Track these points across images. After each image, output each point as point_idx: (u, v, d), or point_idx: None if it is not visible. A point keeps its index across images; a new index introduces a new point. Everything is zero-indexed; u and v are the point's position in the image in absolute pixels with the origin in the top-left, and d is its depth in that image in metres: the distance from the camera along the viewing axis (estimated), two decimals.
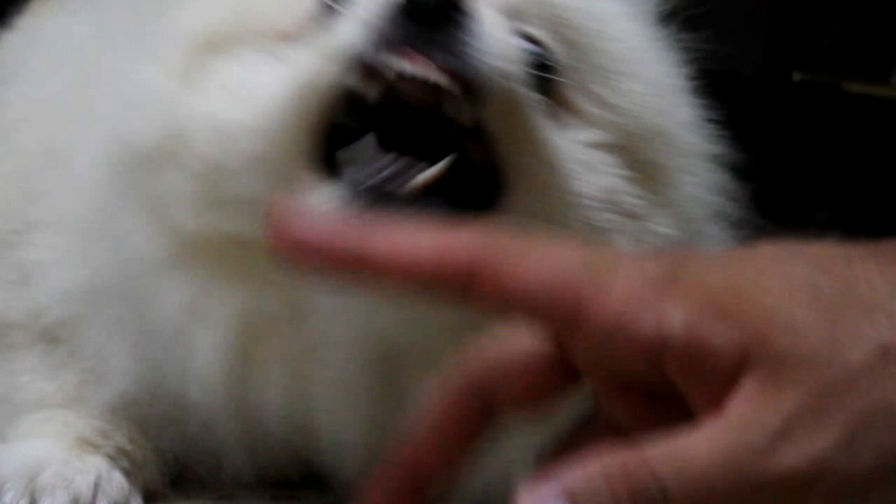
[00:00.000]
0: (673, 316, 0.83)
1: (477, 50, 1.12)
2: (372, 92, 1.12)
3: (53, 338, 1.33)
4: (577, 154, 1.18)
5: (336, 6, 1.16)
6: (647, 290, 0.84)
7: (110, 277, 1.22)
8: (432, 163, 1.13)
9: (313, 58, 1.14)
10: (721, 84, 1.34)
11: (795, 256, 0.87)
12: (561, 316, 0.84)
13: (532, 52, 1.18)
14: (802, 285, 0.84)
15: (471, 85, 1.12)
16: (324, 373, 1.18)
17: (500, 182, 1.16)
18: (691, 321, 0.82)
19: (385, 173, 1.13)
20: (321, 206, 1.12)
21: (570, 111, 1.19)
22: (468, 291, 0.85)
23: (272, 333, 1.18)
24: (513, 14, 1.19)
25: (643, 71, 1.23)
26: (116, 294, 1.23)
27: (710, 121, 1.28)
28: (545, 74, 1.18)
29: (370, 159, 1.13)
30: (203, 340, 1.18)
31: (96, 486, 1.21)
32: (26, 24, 1.59)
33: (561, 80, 1.19)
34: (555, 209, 1.17)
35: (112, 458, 1.25)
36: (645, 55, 1.25)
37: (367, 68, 1.12)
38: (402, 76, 1.11)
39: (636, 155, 1.20)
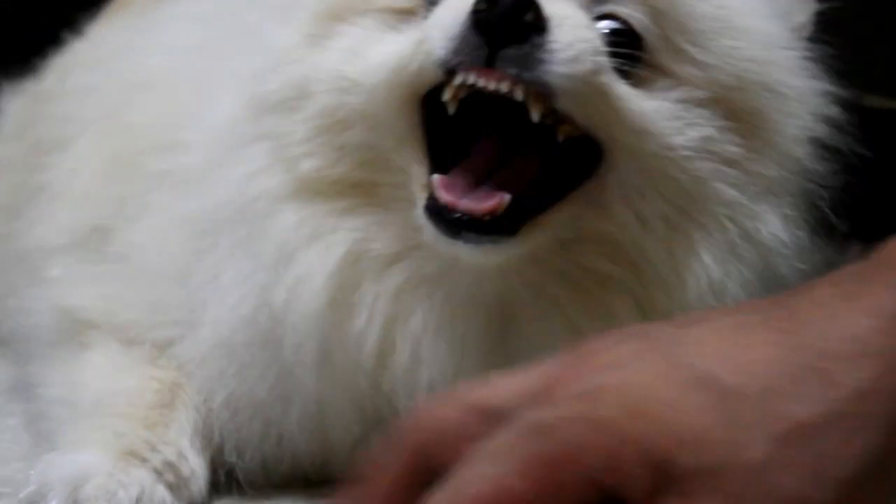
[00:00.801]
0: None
1: (550, 59, 1.18)
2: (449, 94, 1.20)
3: (126, 338, 1.39)
4: (670, 112, 1.24)
5: None
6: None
7: (230, 206, 1.32)
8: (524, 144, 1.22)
9: (409, 42, 1.23)
10: None
11: (689, 343, 0.90)
12: None
13: (617, 31, 1.24)
14: (697, 383, 0.87)
15: (545, 89, 1.18)
16: (429, 313, 1.26)
17: (595, 150, 1.23)
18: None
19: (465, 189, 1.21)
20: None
21: (662, 73, 1.25)
22: None
23: (381, 268, 1.27)
24: None
25: (737, 25, 1.27)
26: (235, 221, 1.32)
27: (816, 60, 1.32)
28: (630, 51, 1.23)
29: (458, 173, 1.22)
30: (316, 267, 1.27)
31: (138, 501, 1.24)
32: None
33: (648, 48, 1.24)
34: (653, 167, 1.23)
35: (158, 472, 1.28)
36: (739, 9, 1.28)
37: (447, 72, 1.19)
38: (475, 87, 1.18)
39: (734, 105, 1.26)
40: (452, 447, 0.89)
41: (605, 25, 1.24)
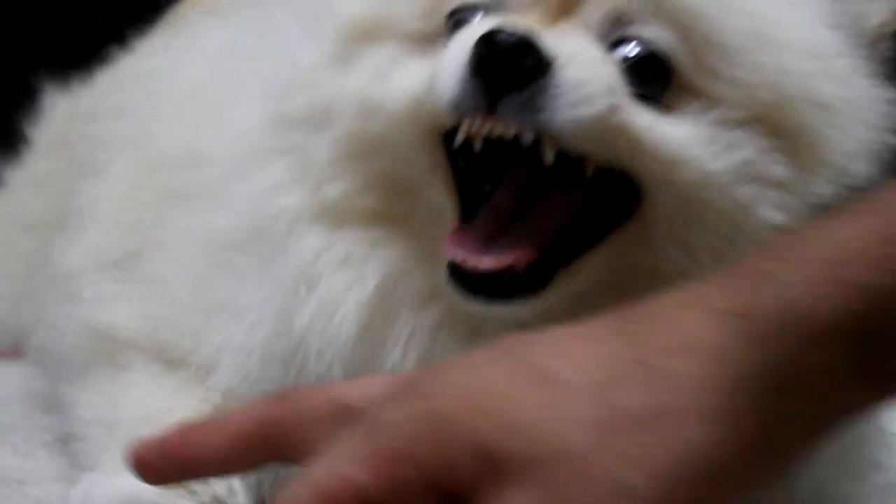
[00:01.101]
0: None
1: (554, 104, 1.13)
2: (461, 136, 1.17)
3: (169, 359, 1.37)
4: (704, 137, 1.17)
5: (463, 18, 1.21)
6: None
7: (249, 223, 1.30)
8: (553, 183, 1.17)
9: (423, 77, 1.20)
10: None
11: (541, 345, 0.93)
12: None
13: (639, 57, 1.18)
14: (536, 378, 0.90)
15: (554, 132, 1.14)
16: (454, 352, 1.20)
17: (631, 184, 1.19)
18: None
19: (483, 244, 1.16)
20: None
21: (694, 95, 1.19)
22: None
23: (419, 303, 1.23)
24: (618, 20, 1.19)
25: (774, 37, 1.20)
26: (253, 240, 1.30)
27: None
28: (654, 76, 1.18)
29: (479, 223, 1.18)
30: (347, 295, 1.23)
31: None
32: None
33: (676, 69, 1.18)
34: (693, 196, 1.17)
35: None
36: (777, 20, 1.22)
37: (459, 114, 1.16)
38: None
39: (777, 123, 1.19)
40: (305, 437, 0.94)
41: (625, 52, 1.19)
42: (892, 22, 1.26)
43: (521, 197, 1.20)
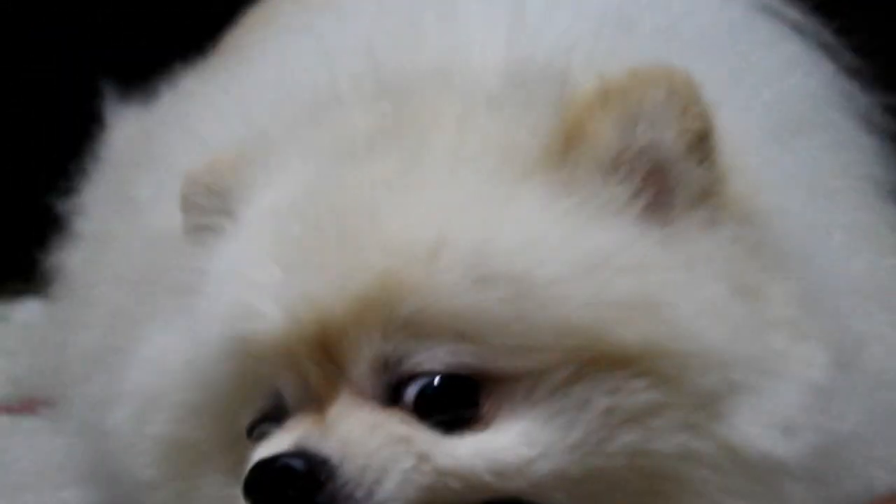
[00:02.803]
0: None
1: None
2: None
3: None
4: (540, 425, 1.06)
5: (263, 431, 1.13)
6: None
7: None
8: None
9: None
10: None
11: None
12: None
13: (431, 388, 1.07)
14: None
15: None
16: None
17: None
18: None
19: None
20: None
21: (512, 382, 1.07)
22: None
23: None
24: (387, 365, 1.08)
25: (542, 279, 1.07)
26: None
27: None
28: (456, 395, 1.07)
29: None
30: None
31: None
32: None
33: (478, 373, 1.07)
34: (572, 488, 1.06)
35: None
36: (536, 260, 1.07)
37: None
38: None
39: (608, 354, 1.06)
40: None
41: (413, 392, 1.08)
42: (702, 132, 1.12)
43: None
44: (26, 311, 2.05)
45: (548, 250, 1.08)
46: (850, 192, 1.28)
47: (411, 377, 1.08)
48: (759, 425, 1.07)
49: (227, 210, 1.20)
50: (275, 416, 1.12)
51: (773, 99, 1.25)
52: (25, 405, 1.83)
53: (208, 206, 1.22)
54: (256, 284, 1.11)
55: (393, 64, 1.20)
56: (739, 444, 1.07)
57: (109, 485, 1.36)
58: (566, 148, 1.10)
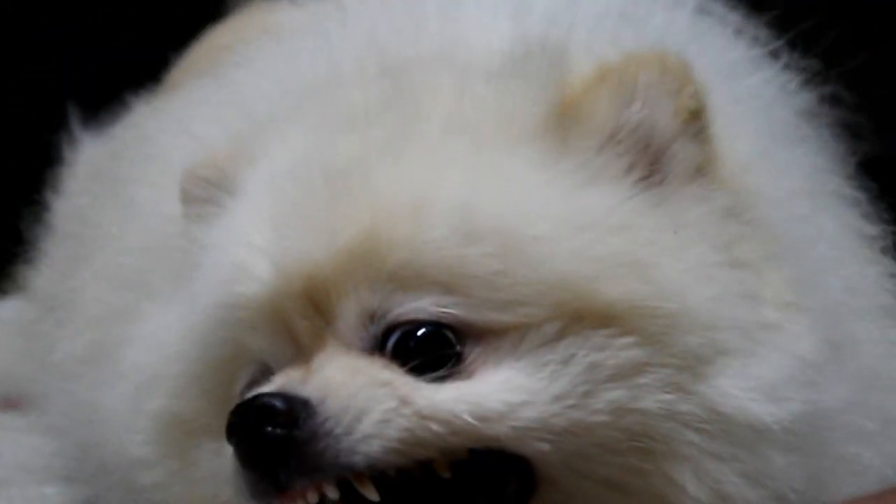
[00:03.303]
0: None
1: (338, 441, 1.05)
2: None
3: None
4: (524, 375, 1.07)
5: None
6: None
7: None
8: None
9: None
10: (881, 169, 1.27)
11: None
12: None
13: (415, 337, 1.09)
14: None
15: (363, 464, 1.05)
16: None
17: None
18: None
19: None
20: None
21: (499, 334, 1.08)
22: None
23: None
24: (374, 316, 1.10)
25: (531, 235, 1.09)
26: None
27: None
28: (440, 345, 1.09)
29: None
30: None
31: None
32: None
33: (463, 326, 1.08)
34: (557, 440, 1.07)
35: None
36: (526, 216, 1.10)
37: None
38: None
39: (596, 311, 1.08)
40: None
41: (394, 340, 1.10)
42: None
43: None
44: (8, 309, 2.04)
45: (537, 208, 1.10)
46: (833, 197, 1.28)
47: (397, 327, 1.09)
48: (744, 389, 1.08)
49: (223, 200, 1.22)
50: (266, 381, 1.13)
51: (751, 93, 1.27)
52: (10, 402, 1.82)
53: (208, 198, 1.24)
54: (250, 245, 1.13)
55: (395, 51, 1.23)
56: (723, 406, 1.08)
57: (93, 481, 1.36)
58: (562, 120, 1.13)
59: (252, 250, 1.13)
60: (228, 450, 1.08)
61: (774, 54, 1.32)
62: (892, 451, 1.18)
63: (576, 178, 1.12)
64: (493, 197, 1.10)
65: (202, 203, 1.24)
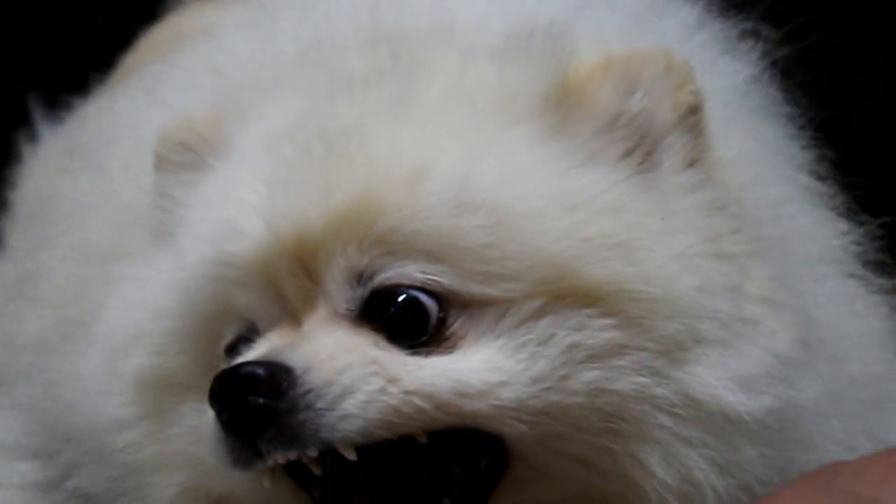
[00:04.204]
0: None
1: (321, 413, 1.07)
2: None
3: None
4: (501, 357, 1.10)
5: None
6: None
7: None
8: None
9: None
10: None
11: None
12: None
13: (400, 305, 1.11)
14: None
15: (342, 437, 1.08)
16: None
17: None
18: None
19: None
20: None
21: (484, 306, 1.10)
22: None
23: None
24: (361, 276, 1.12)
25: (522, 211, 1.11)
26: None
27: None
28: (422, 316, 1.11)
29: None
30: None
31: None
32: None
33: (448, 296, 1.11)
34: (532, 419, 1.10)
35: None
36: (517, 195, 1.12)
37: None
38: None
39: (578, 291, 1.10)
40: None
41: (383, 307, 1.12)
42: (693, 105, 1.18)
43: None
44: None
45: (531, 184, 1.12)
46: (812, 199, 1.30)
47: (383, 291, 1.11)
48: (720, 378, 1.10)
49: (204, 162, 1.23)
50: (251, 339, 1.15)
51: (738, 93, 1.29)
52: None
53: (185, 163, 1.25)
54: (242, 202, 1.15)
55: (386, 21, 1.24)
56: (697, 392, 1.10)
57: (64, 453, 1.36)
58: (564, 102, 1.15)
59: (244, 208, 1.14)
60: (210, 412, 1.09)
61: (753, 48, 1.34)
62: (862, 449, 1.18)
63: (572, 158, 1.14)
64: (489, 171, 1.12)
65: (179, 168, 1.25)
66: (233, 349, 1.17)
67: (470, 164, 1.12)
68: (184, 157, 1.25)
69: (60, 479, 1.37)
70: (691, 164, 1.16)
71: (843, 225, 1.27)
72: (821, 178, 1.30)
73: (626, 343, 1.09)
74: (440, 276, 1.10)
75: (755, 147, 1.24)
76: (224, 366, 1.12)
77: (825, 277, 1.23)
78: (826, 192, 1.30)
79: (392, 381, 1.08)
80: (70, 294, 1.37)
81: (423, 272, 1.10)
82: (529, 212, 1.11)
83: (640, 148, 1.16)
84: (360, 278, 1.12)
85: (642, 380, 1.09)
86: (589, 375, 1.09)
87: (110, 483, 1.25)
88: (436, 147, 1.13)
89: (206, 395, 1.11)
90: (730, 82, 1.27)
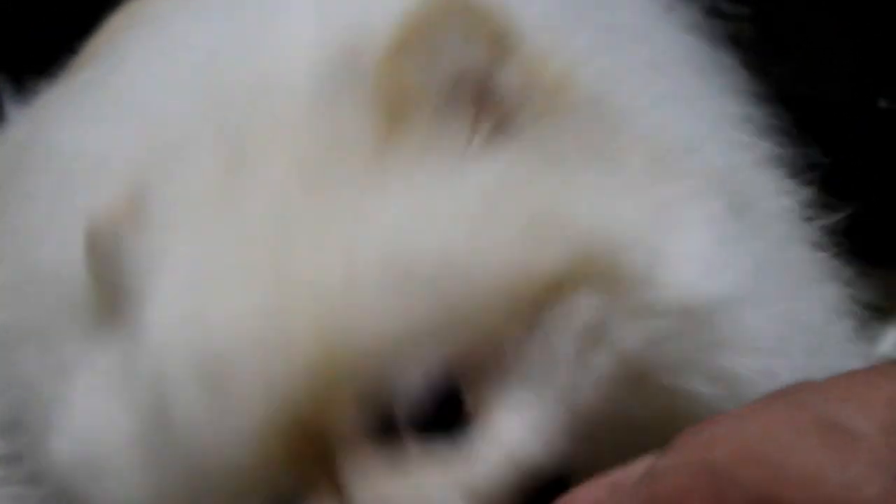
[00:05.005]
0: None
1: None
2: None
3: None
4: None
5: None
6: None
7: None
8: None
9: None
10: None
11: (816, 391, 0.89)
12: None
13: (421, 402, 1.00)
14: (816, 426, 0.86)
15: None
16: None
17: None
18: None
19: None
20: None
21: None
22: None
23: None
24: (375, 380, 1.00)
25: (458, 252, 1.00)
26: None
27: None
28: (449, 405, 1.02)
29: None
30: None
31: None
32: None
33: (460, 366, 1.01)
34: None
35: None
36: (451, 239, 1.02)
37: None
38: None
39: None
40: None
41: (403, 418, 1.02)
42: None
43: None
44: None
45: (429, 234, 1.01)
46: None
47: (394, 405, 1.00)
48: (685, 274, 1.03)
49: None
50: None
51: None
52: None
53: (108, 278, 1.08)
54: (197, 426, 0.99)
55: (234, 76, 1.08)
56: (681, 297, 1.02)
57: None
58: (394, 120, 1.03)
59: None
60: None
61: None
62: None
63: (439, 178, 1.03)
64: (387, 244, 1.00)
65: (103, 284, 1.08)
66: None
67: (367, 258, 0.99)
68: (111, 266, 1.06)
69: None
70: (541, 99, 1.05)
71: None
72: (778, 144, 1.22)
73: (605, 307, 1.01)
74: (434, 363, 0.99)
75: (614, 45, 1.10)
76: None
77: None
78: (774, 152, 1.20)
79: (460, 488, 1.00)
80: None
81: (418, 366, 0.99)
82: (444, 258, 1.00)
83: (486, 114, 1.04)
84: (369, 415, 0.99)
85: (637, 325, 1.01)
86: (598, 359, 1.01)
87: None
88: (335, 258, 0.98)
89: None
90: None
